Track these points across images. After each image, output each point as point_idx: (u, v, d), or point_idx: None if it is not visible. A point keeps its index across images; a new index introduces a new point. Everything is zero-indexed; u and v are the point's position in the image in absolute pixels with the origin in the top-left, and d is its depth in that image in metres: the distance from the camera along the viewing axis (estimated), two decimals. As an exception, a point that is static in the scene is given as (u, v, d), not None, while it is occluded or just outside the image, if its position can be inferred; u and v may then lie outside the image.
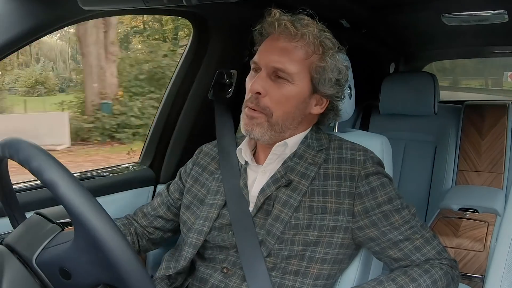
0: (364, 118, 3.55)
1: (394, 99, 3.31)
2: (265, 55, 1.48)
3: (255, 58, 1.51)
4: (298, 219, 1.45)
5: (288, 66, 1.45)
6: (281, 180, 1.50)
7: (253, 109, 1.48)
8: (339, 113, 1.64)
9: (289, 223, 1.45)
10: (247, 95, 1.50)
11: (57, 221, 1.15)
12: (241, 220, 1.51)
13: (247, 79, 1.54)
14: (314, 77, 1.48)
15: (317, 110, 1.55)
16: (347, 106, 1.80)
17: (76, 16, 1.61)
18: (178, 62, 2.32)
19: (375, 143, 1.78)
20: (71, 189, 0.96)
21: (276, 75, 1.46)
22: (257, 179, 1.57)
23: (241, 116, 1.53)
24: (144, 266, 1.09)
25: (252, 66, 1.53)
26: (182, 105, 2.32)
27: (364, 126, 3.51)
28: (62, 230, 1.13)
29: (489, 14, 2.55)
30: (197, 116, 2.30)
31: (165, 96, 2.35)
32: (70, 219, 1.08)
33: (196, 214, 1.61)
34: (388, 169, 1.80)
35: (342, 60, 1.53)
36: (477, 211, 2.79)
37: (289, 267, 1.43)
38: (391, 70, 4.16)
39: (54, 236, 1.11)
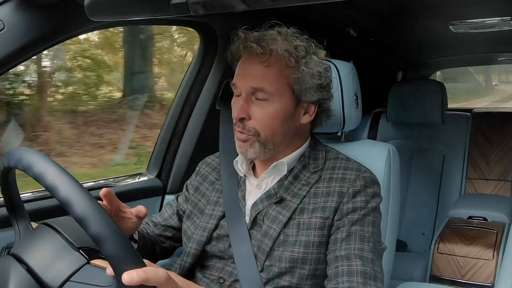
0: (372, 126, 3.55)
1: (402, 108, 3.31)
2: (241, 79, 1.47)
3: (234, 80, 1.50)
4: (287, 235, 1.44)
5: (266, 86, 1.43)
6: (274, 197, 1.50)
7: (242, 132, 1.48)
8: (330, 113, 1.60)
9: (278, 239, 1.44)
10: (234, 120, 1.50)
11: (79, 248, 1.12)
12: (238, 232, 1.51)
13: (232, 102, 1.53)
14: (295, 89, 1.46)
15: (306, 119, 1.52)
16: (354, 115, 1.80)
17: (84, 27, 1.62)
18: (186, 72, 2.33)
19: (382, 152, 1.78)
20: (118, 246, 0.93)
21: (257, 97, 1.45)
22: (252, 192, 1.57)
23: (235, 138, 1.53)
24: None
25: (233, 88, 1.52)
26: (189, 115, 2.33)
27: (372, 134, 3.51)
28: (88, 262, 1.09)
29: (496, 21, 2.55)
30: (204, 126, 2.31)
31: (172, 106, 2.36)
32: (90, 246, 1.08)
33: (195, 224, 1.61)
34: (395, 178, 1.79)
35: (320, 63, 1.49)
36: (486, 220, 2.78)
37: (281, 282, 1.42)
38: (399, 78, 4.16)
39: (80, 268, 1.07)
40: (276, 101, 1.44)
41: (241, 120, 1.46)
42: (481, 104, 12.58)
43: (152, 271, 0.93)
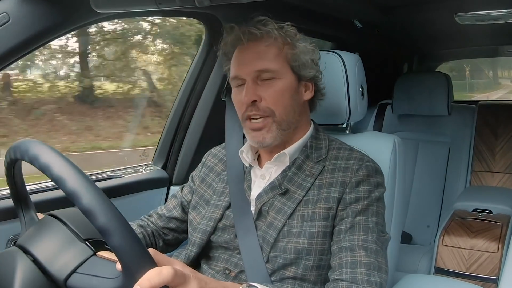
0: (378, 118, 3.54)
1: (407, 99, 3.30)
2: (244, 66, 1.50)
3: (235, 73, 1.52)
4: (291, 226, 1.44)
5: (269, 65, 1.47)
6: (278, 188, 1.50)
7: (256, 118, 1.49)
8: (323, 91, 1.64)
9: (283, 230, 1.45)
10: (242, 109, 1.51)
11: (86, 240, 1.11)
12: (244, 223, 1.51)
13: (233, 96, 1.55)
14: (294, 66, 1.51)
15: (308, 95, 1.57)
16: (359, 106, 1.79)
17: (89, 18, 1.61)
18: (191, 63, 2.33)
19: (387, 143, 1.77)
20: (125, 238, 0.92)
21: (262, 79, 1.48)
22: (256, 183, 1.58)
23: (245, 132, 1.54)
24: None
25: (233, 83, 1.55)
26: (195, 106, 2.33)
27: (378, 126, 3.50)
28: (94, 254, 1.09)
29: (502, 13, 2.54)
30: (210, 117, 2.31)
31: (178, 98, 2.36)
32: (96, 238, 1.08)
33: (201, 214, 1.62)
34: (401, 169, 1.79)
35: (307, 40, 1.57)
36: (491, 212, 2.78)
37: (286, 273, 1.43)
38: (405, 70, 4.15)
39: (86, 260, 1.07)
40: (281, 78, 1.49)
41: (253, 103, 1.47)
42: (497, 95, 13.41)
43: (155, 274, 0.91)
